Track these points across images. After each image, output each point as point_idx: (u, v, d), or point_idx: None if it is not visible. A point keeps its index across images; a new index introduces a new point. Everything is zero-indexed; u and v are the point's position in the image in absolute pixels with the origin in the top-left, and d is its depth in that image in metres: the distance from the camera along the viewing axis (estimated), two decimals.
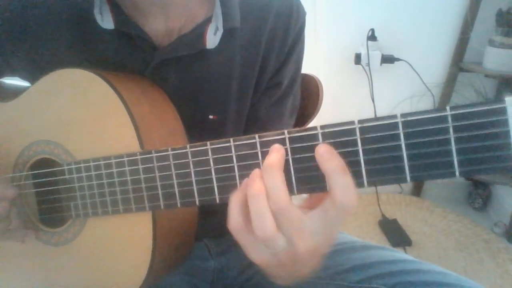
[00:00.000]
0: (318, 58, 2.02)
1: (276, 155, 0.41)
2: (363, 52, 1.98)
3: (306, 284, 0.73)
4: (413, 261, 0.70)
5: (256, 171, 0.43)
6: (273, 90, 0.76)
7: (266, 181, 0.41)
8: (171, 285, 0.73)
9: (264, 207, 0.40)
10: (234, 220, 0.43)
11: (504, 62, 1.77)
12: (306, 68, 0.82)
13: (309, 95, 0.86)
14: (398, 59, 2.00)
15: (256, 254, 0.45)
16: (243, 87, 0.73)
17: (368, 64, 1.98)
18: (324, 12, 1.96)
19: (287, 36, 0.73)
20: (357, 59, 2.01)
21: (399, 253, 0.74)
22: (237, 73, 0.71)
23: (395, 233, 1.93)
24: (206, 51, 0.67)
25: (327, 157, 0.40)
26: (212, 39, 0.66)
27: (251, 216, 0.41)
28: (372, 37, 1.96)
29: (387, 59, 1.99)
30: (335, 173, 0.39)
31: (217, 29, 0.66)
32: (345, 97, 2.05)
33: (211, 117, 0.73)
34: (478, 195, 2.16)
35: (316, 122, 0.76)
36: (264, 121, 0.76)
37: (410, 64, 1.99)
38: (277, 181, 0.40)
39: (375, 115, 0.44)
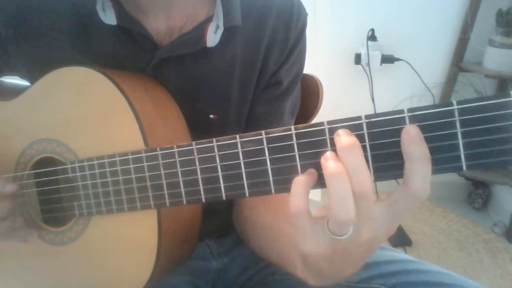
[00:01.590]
0: (318, 58, 2.02)
1: (352, 137, 0.39)
2: (363, 52, 1.98)
3: (305, 285, 0.73)
4: (413, 261, 0.70)
5: (329, 153, 0.40)
6: (272, 89, 0.75)
7: (349, 161, 0.38)
8: (173, 286, 0.73)
9: (348, 187, 0.38)
10: (298, 202, 0.41)
11: (504, 62, 1.77)
12: (306, 68, 0.82)
13: (309, 95, 0.86)
14: (398, 59, 2.00)
15: (312, 241, 0.42)
16: (243, 87, 0.73)
17: (368, 64, 1.98)
18: (324, 12, 1.96)
19: (289, 36, 0.72)
20: (357, 59, 2.01)
21: (399, 253, 0.74)
22: (238, 72, 0.71)
23: (395, 233, 1.91)
24: (207, 50, 0.67)
25: (417, 141, 0.37)
26: (212, 38, 0.66)
27: (332, 198, 0.38)
28: (372, 37, 1.97)
29: (387, 59, 2.00)
30: (420, 160, 0.37)
31: (217, 27, 0.66)
32: (345, 97, 2.05)
33: (211, 116, 0.73)
34: (478, 195, 2.16)
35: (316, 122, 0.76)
36: (262, 119, 0.76)
37: (410, 64, 1.99)
38: (361, 161, 0.38)
39: None
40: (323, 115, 0.88)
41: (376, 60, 1.99)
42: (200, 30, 0.66)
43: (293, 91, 0.78)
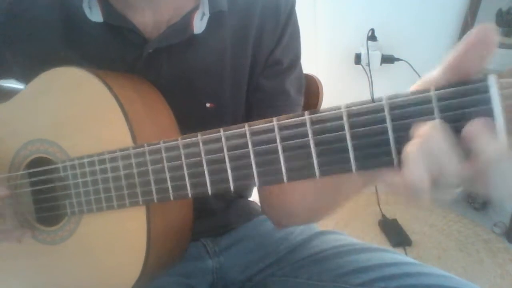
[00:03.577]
0: (318, 58, 2.02)
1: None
2: (363, 52, 1.98)
3: (304, 286, 0.74)
4: (414, 264, 0.70)
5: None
6: (272, 69, 0.75)
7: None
8: (163, 286, 0.73)
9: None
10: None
11: (504, 62, 1.76)
12: (306, 68, 0.82)
13: (309, 95, 0.86)
14: (398, 59, 2.00)
15: None
16: (236, 72, 0.73)
17: (368, 64, 1.98)
18: (324, 12, 1.97)
19: (279, 16, 0.73)
20: (357, 59, 2.01)
21: (400, 256, 0.74)
22: (229, 58, 0.72)
23: (395, 233, 1.92)
24: (195, 38, 0.67)
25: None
26: (199, 24, 0.67)
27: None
28: (372, 37, 1.96)
29: (387, 59, 1.99)
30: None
31: (203, 14, 0.67)
32: (345, 97, 2.00)
33: (208, 105, 0.73)
34: (478, 195, 2.15)
35: None
36: (270, 99, 0.76)
37: (410, 64, 1.99)
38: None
39: None
40: None
41: (376, 60, 1.99)
42: (187, 19, 0.67)
43: (295, 69, 0.78)
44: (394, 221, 2.00)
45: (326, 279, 0.72)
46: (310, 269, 0.75)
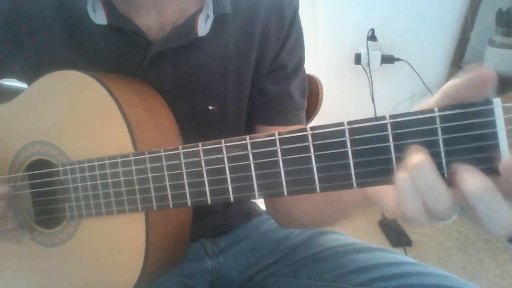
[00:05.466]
0: (318, 58, 2.02)
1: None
2: (363, 52, 1.98)
3: (305, 285, 0.74)
4: (414, 264, 0.71)
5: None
6: (277, 72, 0.75)
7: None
8: (163, 287, 0.73)
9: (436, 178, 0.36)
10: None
11: (504, 62, 1.77)
12: (306, 68, 0.82)
13: (309, 95, 0.86)
14: (398, 59, 1.99)
15: None
16: (240, 75, 0.73)
17: (368, 64, 1.97)
18: (324, 12, 1.96)
19: (283, 19, 0.72)
20: (357, 59, 2.00)
21: (400, 255, 0.74)
22: (232, 61, 0.71)
23: (395, 233, 1.92)
24: (199, 40, 0.67)
25: None
26: (203, 27, 0.66)
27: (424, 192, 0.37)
28: (372, 37, 1.96)
29: (387, 59, 1.99)
30: None
31: (208, 16, 0.67)
32: (345, 97, 2.05)
33: (210, 108, 0.73)
34: None
35: (316, 122, 0.76)
36: (273, 102, 0.76)
37: (410, 64, 1.99)
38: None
39: (375, 115, 0.44)
40: (323, 115, 0.88)
41: (376, 60, 1.98)
42: (191, 21, 0.66)
43: (299, 73, 0.78)
44: (394, 221, 1.99)
45: (326, 278, 0.73)
46: (310, 269, 0.75)
